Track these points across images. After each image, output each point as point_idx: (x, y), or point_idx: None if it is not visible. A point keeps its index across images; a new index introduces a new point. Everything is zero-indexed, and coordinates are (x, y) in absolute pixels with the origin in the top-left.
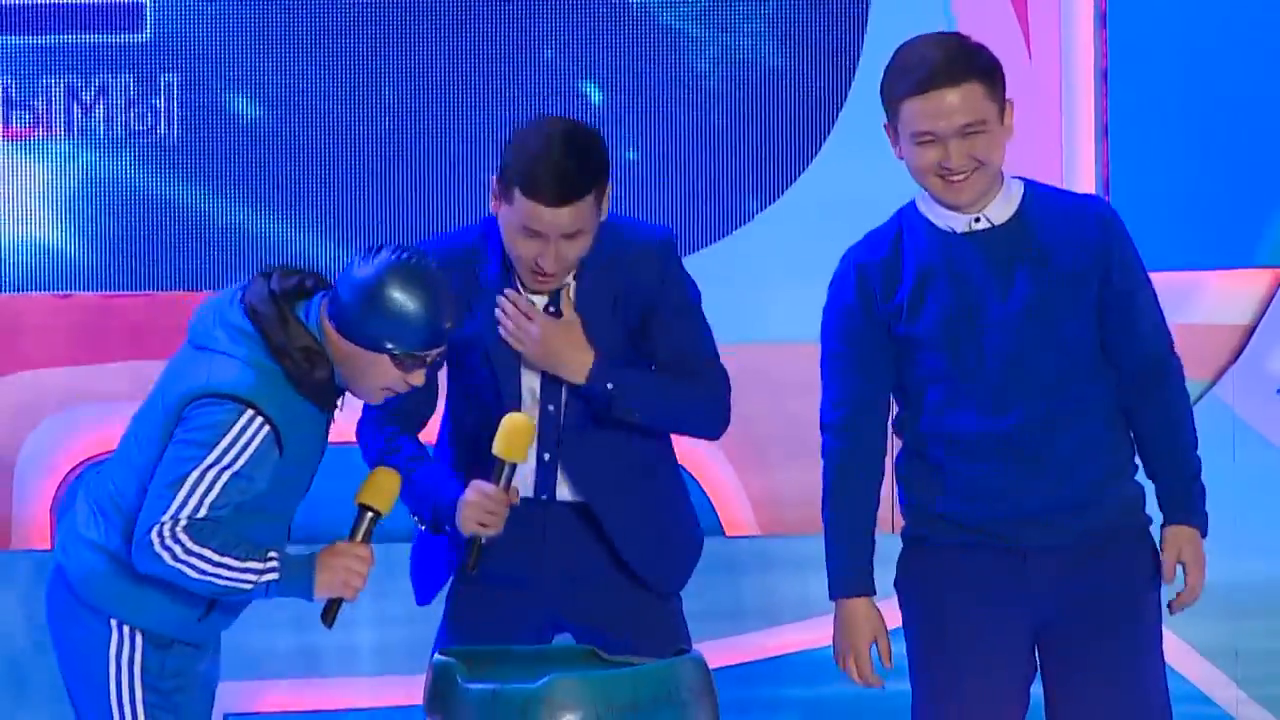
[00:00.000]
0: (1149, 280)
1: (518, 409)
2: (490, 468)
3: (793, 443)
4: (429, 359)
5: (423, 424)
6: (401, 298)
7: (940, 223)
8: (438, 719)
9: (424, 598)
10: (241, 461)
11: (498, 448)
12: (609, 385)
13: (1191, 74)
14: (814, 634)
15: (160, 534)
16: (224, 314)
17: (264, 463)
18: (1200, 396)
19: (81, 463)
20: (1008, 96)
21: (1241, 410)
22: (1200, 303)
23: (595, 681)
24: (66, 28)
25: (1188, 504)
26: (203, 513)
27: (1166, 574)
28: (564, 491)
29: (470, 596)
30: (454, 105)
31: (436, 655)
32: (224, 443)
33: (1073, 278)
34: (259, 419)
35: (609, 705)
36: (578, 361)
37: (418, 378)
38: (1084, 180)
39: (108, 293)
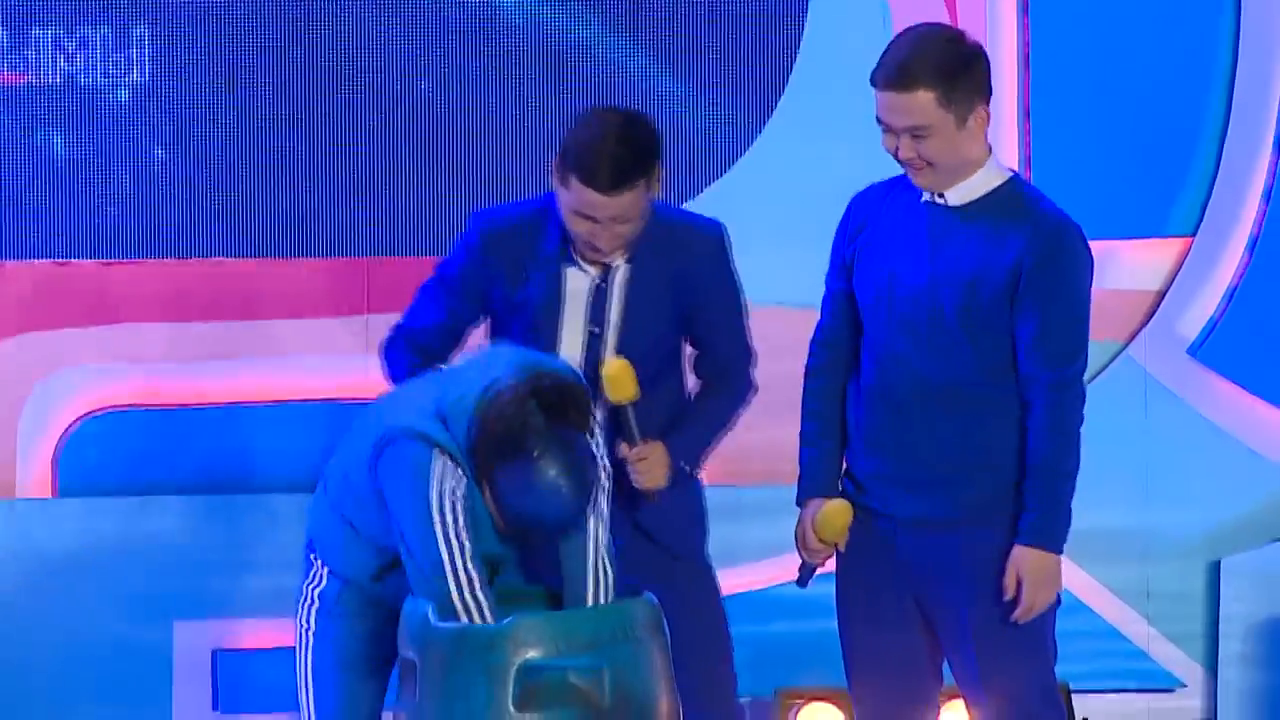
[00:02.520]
0: (1066, 307)
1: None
2: None
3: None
4: None
5: (440, 362)
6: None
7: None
8: (410, 655)
9: None
10: (460, 518)
11: (615, 396)
12: (683, 465)
13: (1107, 58)
14: (763, 574)
15: (444, 614)
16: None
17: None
18: (1115, 357)
19: (79, 418)
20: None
21: (1153, 370)
22: (1115, 270)
23: (556, 620)
24: None
25: (1037, 527)
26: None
27: (1005, 589)
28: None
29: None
30: (417, 83)
31: (408, 598)
32: (434, 498)
33: (984, 279)
34: (451, 463)
35: (569, 642)
36: (666, 471)
37: None
38: (1008, 157)
39: (106, 260)
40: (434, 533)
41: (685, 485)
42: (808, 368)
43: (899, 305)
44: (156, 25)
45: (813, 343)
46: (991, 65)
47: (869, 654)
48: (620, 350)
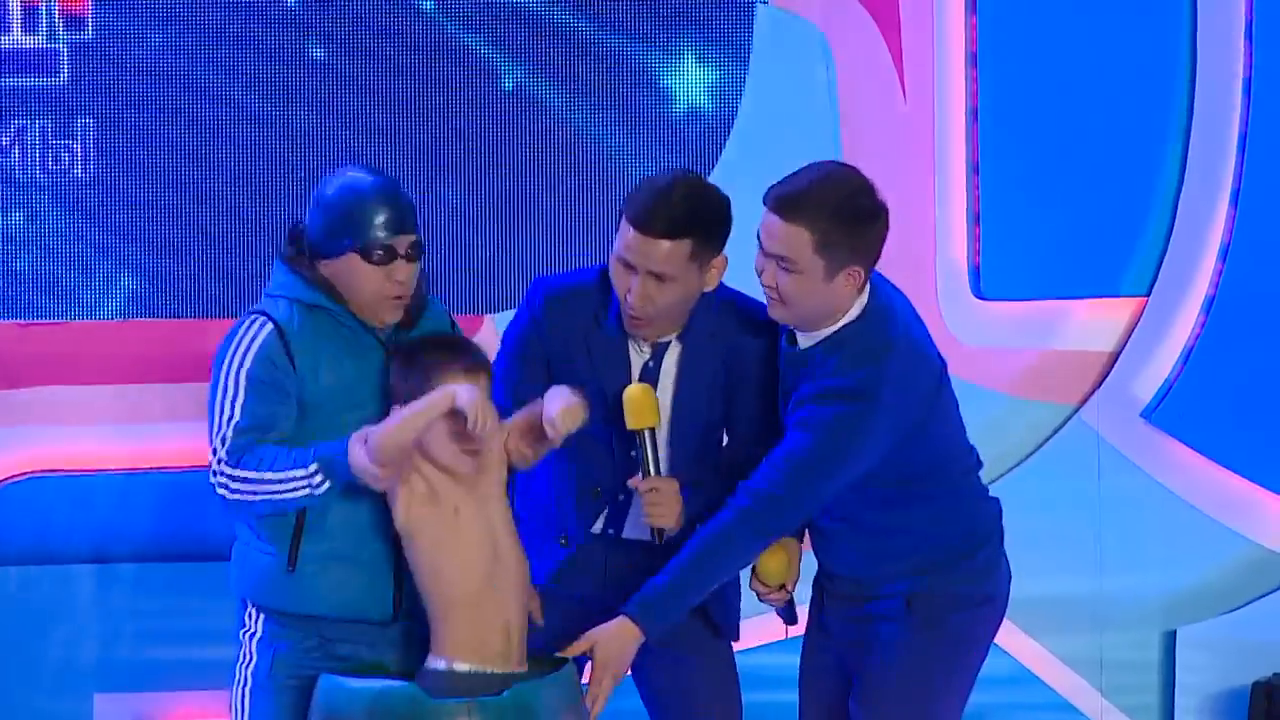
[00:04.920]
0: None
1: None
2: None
3: None
4: (398, 249)
5: None
6: (343, 195)
7: None
8: None
9: (538, 578)
10: (249, 359)
11: (634, 422)
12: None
13: (1057, 112)
14: None
15: (212, 474)
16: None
17: (272, 360)
18: (1066, 420)
19: (8, 479)
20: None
21: (1106, 433)
22: (1067, 330)
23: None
24: None
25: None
26: (236, 418)
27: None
28: (630, 530)
29: (549, 617)
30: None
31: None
32: (231, 347)
33: None
34: (260, 318)
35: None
36: (678, 509)
37: (401, 272)
38: (956, 214)
39: (25, 321)
40: (211, 404)
41: None
42: None
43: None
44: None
45: None
46: (940, 121)
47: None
48: (681, 391)
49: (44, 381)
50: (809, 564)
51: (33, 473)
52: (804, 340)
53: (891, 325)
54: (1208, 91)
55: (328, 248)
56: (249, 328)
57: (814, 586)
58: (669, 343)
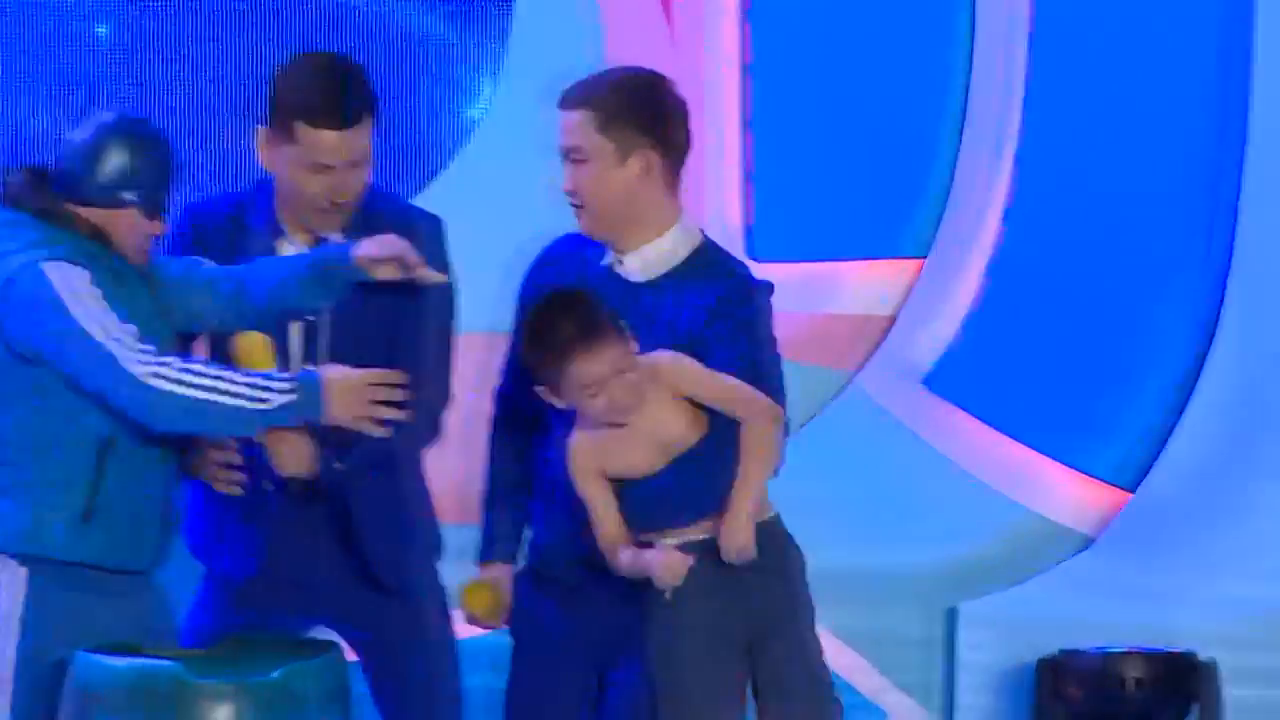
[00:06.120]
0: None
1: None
2: None
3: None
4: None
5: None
6: (126, 145)
7: None
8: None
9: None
10: (96, 297)
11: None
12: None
13: (833, 68)
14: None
15: (146, 372)
16: None
17: (106, 292)
18: (843, 388)
19: None
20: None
21: (883, 401)
22: (842, 293)
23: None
24: None
25: None
26: (127, 330)
27: None
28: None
29: (217, 607)
30: None
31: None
32: (67, 299)
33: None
34: (64, 263)
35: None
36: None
37: (159, 226)
38: (729, 172)
39: None
40: (86, 335)
41: (403, 491)
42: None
43: None
44: None
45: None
46: (710, 75)
47: None
48: (337, 342)
49: None
50: None
51: None
52: (642, 269)
53: None
54: (988, 46)
55: (96, 195)
56: (65, 277)
57: None
58: (330, 239)
